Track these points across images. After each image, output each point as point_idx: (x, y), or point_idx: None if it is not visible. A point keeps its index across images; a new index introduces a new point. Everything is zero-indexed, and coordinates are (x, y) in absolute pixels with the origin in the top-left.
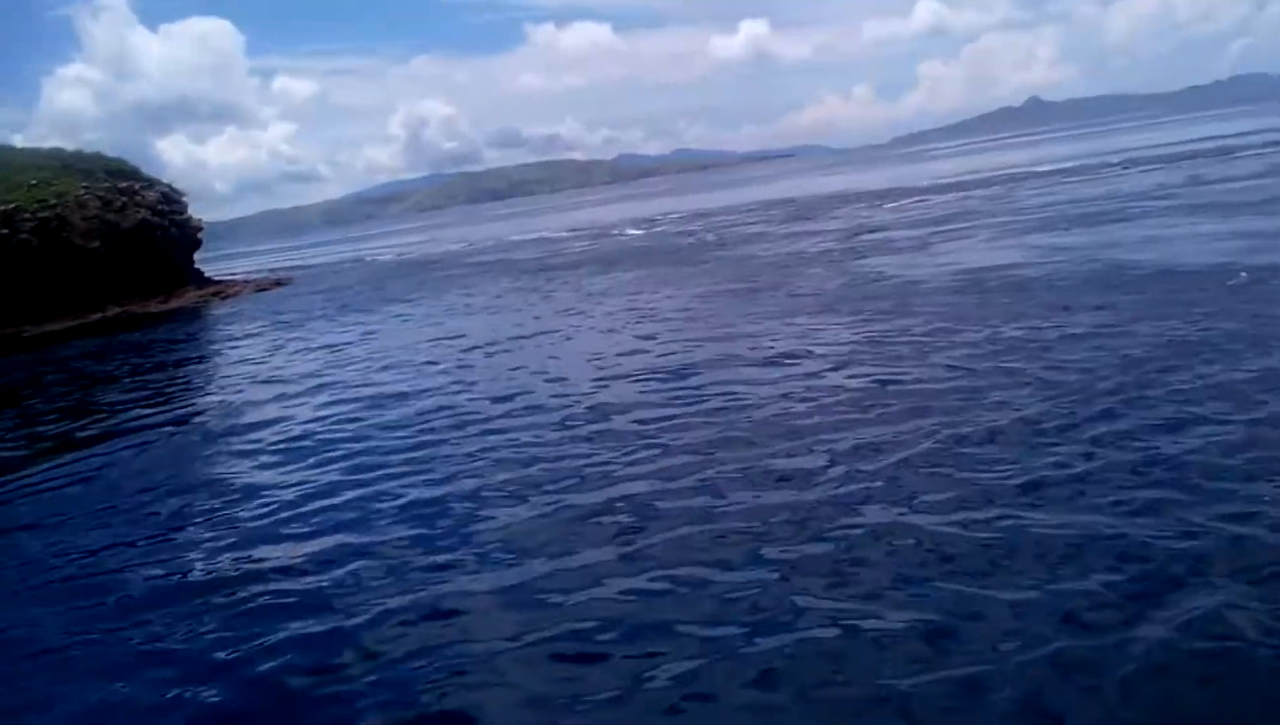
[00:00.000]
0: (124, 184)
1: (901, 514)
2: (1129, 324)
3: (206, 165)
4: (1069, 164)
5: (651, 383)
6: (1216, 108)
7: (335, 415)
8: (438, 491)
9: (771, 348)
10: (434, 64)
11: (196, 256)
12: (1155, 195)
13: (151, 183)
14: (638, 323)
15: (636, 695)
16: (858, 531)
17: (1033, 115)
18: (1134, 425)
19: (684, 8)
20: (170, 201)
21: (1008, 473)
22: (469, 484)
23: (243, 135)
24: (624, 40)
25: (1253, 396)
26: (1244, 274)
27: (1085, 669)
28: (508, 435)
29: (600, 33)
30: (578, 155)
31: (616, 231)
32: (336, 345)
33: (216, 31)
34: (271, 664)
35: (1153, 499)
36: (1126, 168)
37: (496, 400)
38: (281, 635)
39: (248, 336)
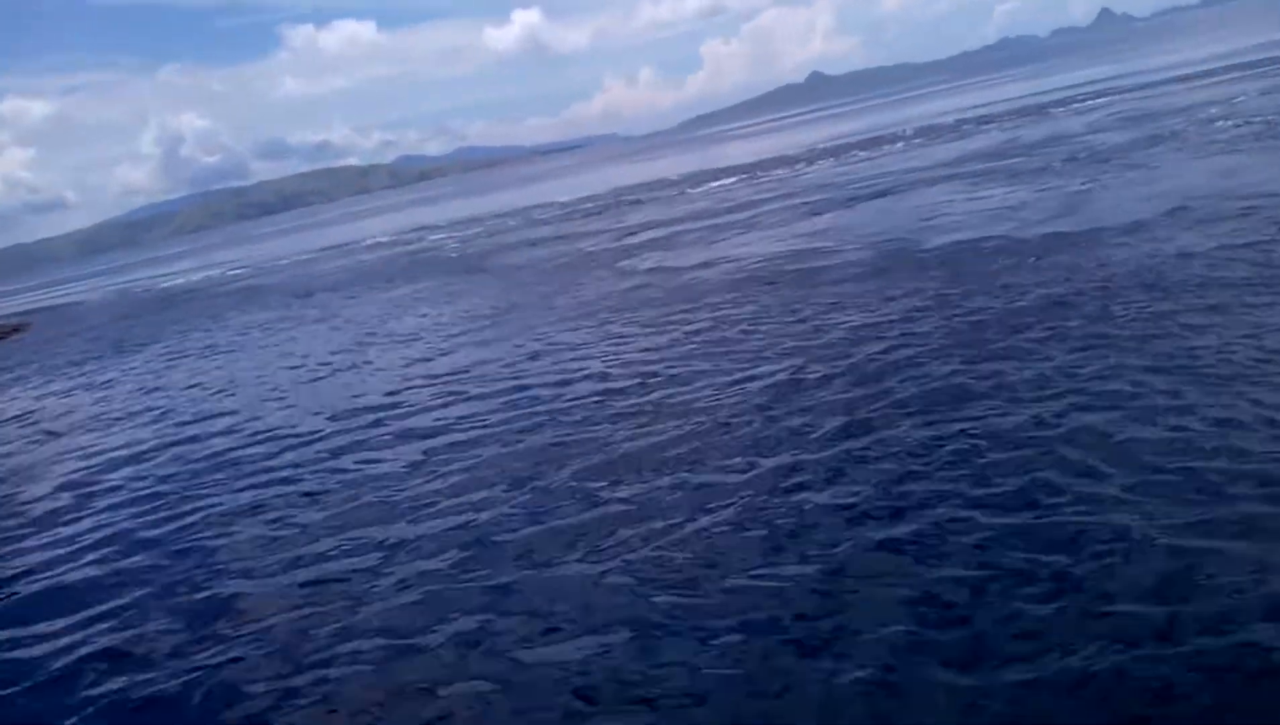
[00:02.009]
0: None
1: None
2: (912, 312)
3: None
4: (853, 139)
5: (416, 415)
6: (988, 72)
7: (76, 481)
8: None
9: (542, 366)
10: (184, 74)
11: None
12: (937, 167)
13: None
14: (400, 348)
15: None
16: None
17: (816, 90)
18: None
19: (450, 1)
20: None
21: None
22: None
23: None
24: (390, 37)
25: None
26: (1033, 259)
27: None
28: (247, 493)
29: (364, 31)
30: (353, 161)
31: (389, 244)
32: (71, 403)
33: None
34: None
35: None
36: (907, 140)
37: (245, 448)
38: None
39: None
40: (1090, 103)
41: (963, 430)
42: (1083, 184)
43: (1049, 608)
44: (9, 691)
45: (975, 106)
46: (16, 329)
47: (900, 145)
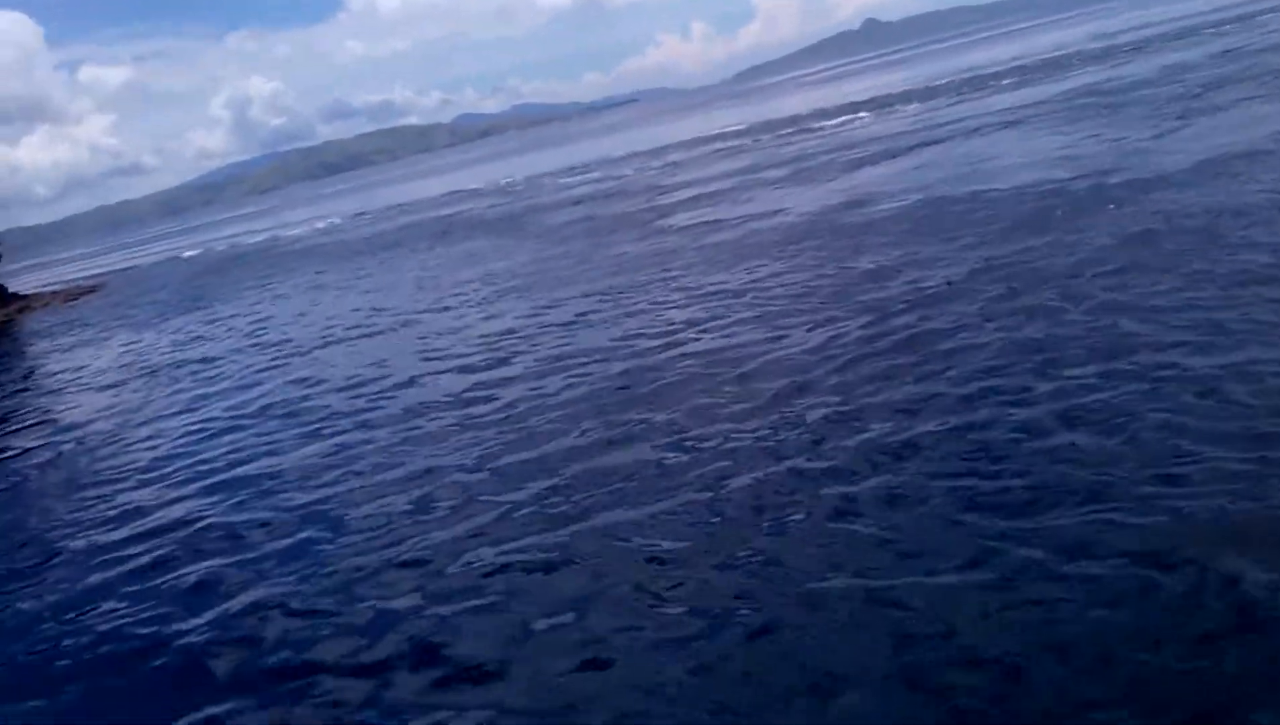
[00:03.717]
0: None
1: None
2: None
3: (23, 167)
4: (909, 88)
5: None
6: (1051, 14)
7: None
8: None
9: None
10: (251, 38)
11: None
12: (993, 115)
13: None
14: (458, 304)
15: None
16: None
17: (871, 36)
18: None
19: None
20: None
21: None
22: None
23: (58, 132)
24: None
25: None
26: (1111, 206)
27: None
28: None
29: None
30: (414, 120)
31: (448, 204)
32: (142, 360)
33: (12, 25)
34: None
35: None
36: (961, 92)
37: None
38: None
39: (56, 352)
40: (1180, 41)
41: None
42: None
43: None
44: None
45: (1053, 49)
46: (92, 290)
47: (951, 95)
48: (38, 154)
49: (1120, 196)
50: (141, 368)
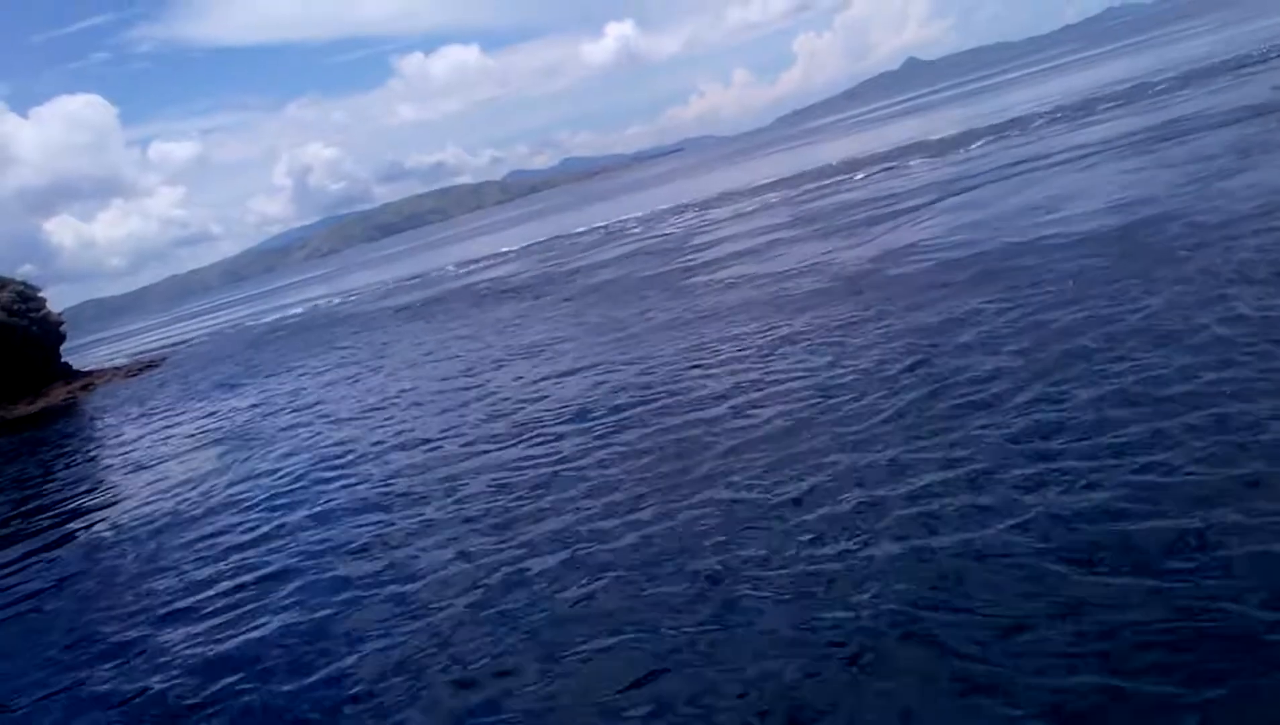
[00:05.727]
0: None
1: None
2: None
3: (98, 242)
4: (952, 131)
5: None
6: (1093, 47)
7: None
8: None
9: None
10: (309, 107)
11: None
12: (1043, 158)
13: (3, 283)
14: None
15: None
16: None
17: (912, 77)
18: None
19: (548, 18)
20: (26, 299)
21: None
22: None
23: (131, 206)
24: (494, 58)
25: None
26: (1183, 252)
27: None
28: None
29: (468, 54)
30: (466, 179)
31: (491, 266)
32: (197, 437)
33: (88, 107)
34: None
35: None
36: (1012, 131)
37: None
38: None
39: (119, 427)
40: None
41: None
42: None
43: None
44: None
45: (1080, 89)
46: (151, 365)
47: (1001, 137)
48: (112, 228)
49: (1190, 241)
50: (196, 444)
